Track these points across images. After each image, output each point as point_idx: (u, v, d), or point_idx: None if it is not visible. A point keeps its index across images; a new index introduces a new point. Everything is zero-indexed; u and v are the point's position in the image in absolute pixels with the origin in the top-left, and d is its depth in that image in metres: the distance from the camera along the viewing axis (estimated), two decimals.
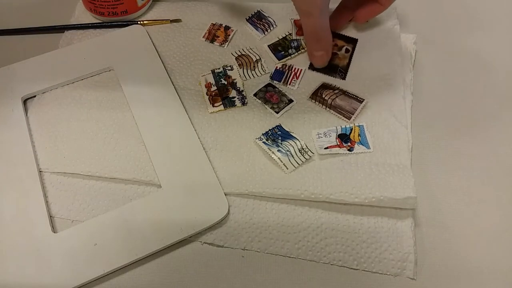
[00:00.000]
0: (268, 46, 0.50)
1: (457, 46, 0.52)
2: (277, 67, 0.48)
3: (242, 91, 0.47)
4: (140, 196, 0.41)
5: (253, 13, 0.53)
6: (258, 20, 0.52)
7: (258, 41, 0.51)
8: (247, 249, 0.39)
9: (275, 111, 0.45)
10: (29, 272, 0.37)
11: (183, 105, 0.46)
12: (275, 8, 0.53)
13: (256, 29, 0.52)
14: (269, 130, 0.44)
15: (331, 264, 0.38)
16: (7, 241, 0.38)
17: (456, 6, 0.55)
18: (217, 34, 0.51)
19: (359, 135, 0.43)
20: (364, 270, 0.38)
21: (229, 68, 0.48)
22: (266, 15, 0.53)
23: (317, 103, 0.46)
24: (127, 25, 0.52)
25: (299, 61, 0.49)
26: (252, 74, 0.48)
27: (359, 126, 0.44)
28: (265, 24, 0.52)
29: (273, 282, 0.37)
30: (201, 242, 0.39)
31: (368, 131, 0.44)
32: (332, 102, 0.45)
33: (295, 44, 0.50)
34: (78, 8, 0.55)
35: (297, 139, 0.43)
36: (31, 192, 0.41)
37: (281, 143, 0.43)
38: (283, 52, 0.50)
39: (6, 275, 0.36)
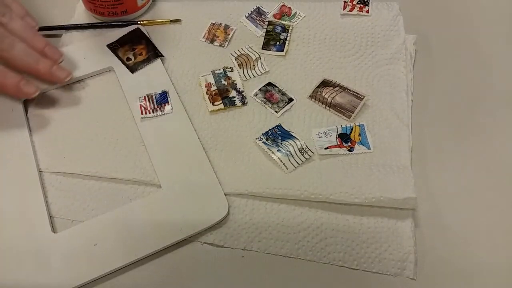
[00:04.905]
0: (263, 48, 0.50)
1: (457, 47, 0.52)
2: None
3: (242, 91, 0.47)
4: (140, 196, 0.41)
5: (252, 10, 0.53)
6: (258, 16, 0.52)
7: (258, 38, 0.51)
8: (247, 249, 0.39)
9: (275, 111, 0.45)
10: (29, 272, 0.37)
11: (183, 105, 0.46)
12: (275, 3, 0.53)
13: (256, 26, 0.52)
14: (269, 130, 0.44)
15: (331, 264, 0.38)
16: (7, 241, 0.38)
17: (456, 6, 0.55)
18: (216, 34, 0.51)
19: (359, 134, 0.43)
20: (364, 270, 0.38)
21: (229, 69, 0.48)
22: (266, 11, 0.53)
23: (317, 101, 0.46)
24: (127, 25, 0.52)
25: (296, 35, 0.50)
26: (252, 74, 0.48)
27: (359, 125, 0.44)
28: (265, 20, 0.52)
29: (273, 282, 0.37)
30: (201, 242, 0.39)
31: (369, 130, 0.44)
32: (332, 100, 0.45)
33: (280, 28, 0.50)
34: (78, 8, 0.55)
35: (297, 139, 0.43)
36: (31, 192, 0.41)
37: (281, 143, 0.43)
38: (278, 43, 0.50)
39: (6, 275, 0.36)
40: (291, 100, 0.46)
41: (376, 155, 0.42)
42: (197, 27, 0.52)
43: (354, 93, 0.46)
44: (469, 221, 0.40)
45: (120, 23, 0.53)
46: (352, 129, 0.44)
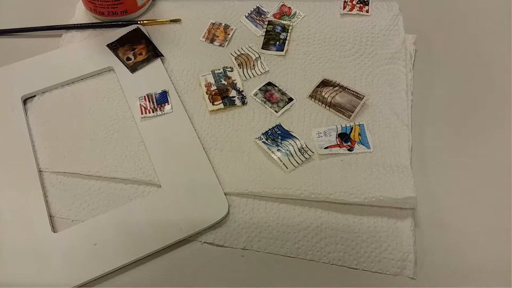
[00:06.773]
0: (263, 48, 0.50)
1: (457, 46, 0.52)
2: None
3: (242, 91, 0.47)
4: (140, 196, 0.41)
5: (252, 10, 0.53)
6: (258, 16, 0.52)
7: (258, 37, 0.51)
8: (247, 249, 0.39)
9: (275, 110, 0.45)
10: (29, 272, 0.37)
11: (183, 105, 0.46)
12: (275, 3, 0.53)
13: (256, 26, 0.52)
14: (269, 129, 0.44)
15: (331, 264, 0.38)
16: (7, 241, 0.38)
17: (456, 6, 0.55)
18: (216, 33, 0.51)
19: (359, 134, 0.43)
20: (364, 270, 0.38)
21: (229, 69, 0.48)
22: (265, 10, 0.53)
23: (317, 101, 0.46)
24: (127, 25, 0.52)
25: (296, 35, 0.50)
26: (252, 73, 0.48)
27: (359, 125, 0.44)
28: (265, 20, 0.52)
29: (273, 282, 0.37)
30: (201, 242, 0.39)
31: (368, 130, 0.44)
32: (332, 100, 0.45)
33: (279, 28, 0.50)
34: (78, 8, 0.55)
35: (297, 139, 0.43)
36: (31, 192, 0.41)
37: (281, 143, 0.43)
38: (278, 43, 0.50)
39: (6, 275, 0.36)
40: (291, 99, 0.46)
41: (376, 155, 0.42)
42: (197, 27, 0.52)
43: (354, 93, 0.46)
44: (469, 221, 0.40)
45: (120, 23, 0.53)
46: (352, 128, 0.44)
